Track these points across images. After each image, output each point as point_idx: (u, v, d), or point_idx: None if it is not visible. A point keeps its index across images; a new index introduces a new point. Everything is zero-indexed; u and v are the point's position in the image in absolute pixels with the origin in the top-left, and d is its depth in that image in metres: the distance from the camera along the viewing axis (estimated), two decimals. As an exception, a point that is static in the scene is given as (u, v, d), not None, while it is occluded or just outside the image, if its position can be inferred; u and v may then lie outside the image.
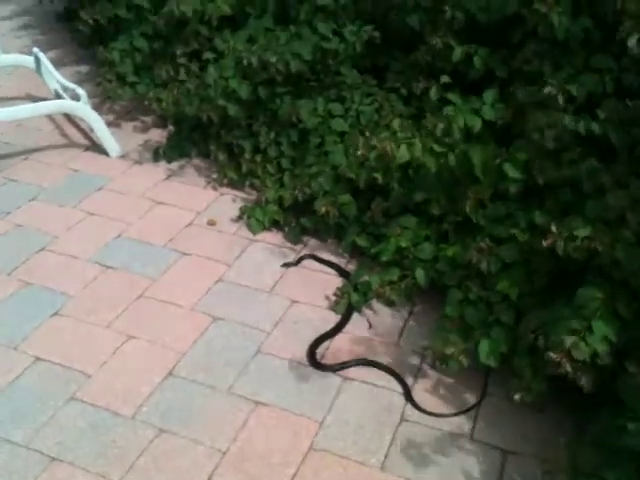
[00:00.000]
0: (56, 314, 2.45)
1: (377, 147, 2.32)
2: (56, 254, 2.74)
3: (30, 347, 2.31)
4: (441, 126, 2.31)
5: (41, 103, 3.35)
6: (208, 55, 3.18)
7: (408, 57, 3.02)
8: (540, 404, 2.02)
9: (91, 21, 3.41)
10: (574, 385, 1.82)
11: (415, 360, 2.32)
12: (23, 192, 3.12)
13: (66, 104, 3.29)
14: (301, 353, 2.32)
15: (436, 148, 2.27)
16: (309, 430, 2.05)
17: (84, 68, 4.37)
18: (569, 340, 1.76)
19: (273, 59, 2.80)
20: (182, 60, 3.36)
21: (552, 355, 1.77)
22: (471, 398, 2.18)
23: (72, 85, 3.32)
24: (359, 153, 2.51)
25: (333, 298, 2.56)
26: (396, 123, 2.53)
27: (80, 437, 2.00)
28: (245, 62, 2.92)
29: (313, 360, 2.28)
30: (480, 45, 2.71)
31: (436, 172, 2.44)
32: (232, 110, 2.99)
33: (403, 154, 2.26)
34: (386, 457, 1.98)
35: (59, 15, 5.10)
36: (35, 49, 3.69)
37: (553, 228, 1.94)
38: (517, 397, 1.94)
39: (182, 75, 3.27)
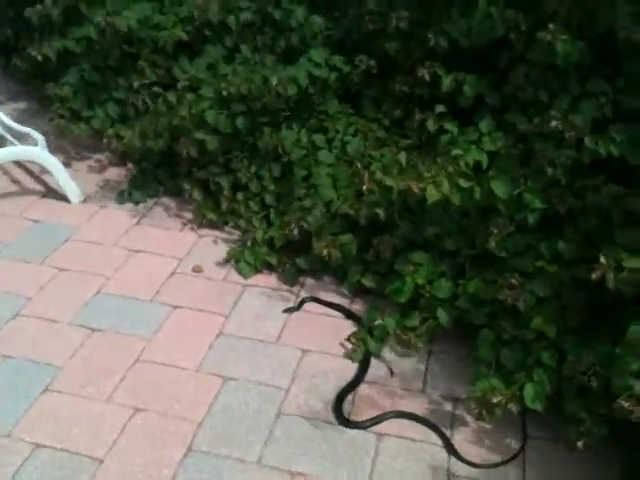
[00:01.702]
0: (47, 390, 2.19)
1: (397, 186, 2.19)
2: (32, 319, 2.48)
3: (25, 433, 2.05)
4: (450, 168, 2.20)
5: (0, 150, 3.04)
6: (183, 82, 2.95)
7: (385, 85, 2.93)
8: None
9: (40, 57, 3.12)
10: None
11: (446, 406, 2.20)
12: (-20, 250, 2.82)
13: (24, 150, 3.01)
14: (326, 410, 2.16)
15: (462, 184, 2.15)
16: (356, 498, 1.89)
17: (22, 105, 4.07)
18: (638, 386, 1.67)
19: (274, 81, 2.62)
20: (144, 92, 3.12)
21: (623, 403, 1.68)
22: (512, 442, 2.08)
23: (25, 129, 3.03)
24: (364, 188, 2.38)
25: (346, 344, 2.41)
26: (402, 157, 2.41)
27: (105, 537, 1.77)
28: (225, 92, 2.73)
29: (342, 418, 2.13)
30: (467, 72, 2.63)
31: (443, 205, 2.35)
32: (211, 144, 2.79)
33: (433, 193, 2.13)
34: (444, 521, 1.84)
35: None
36: (-27, 89, 3.38)
37: (602, 259, 1.86)
38: (580, 444, 1.85)
39: (149, 108, 3.01)
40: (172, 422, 2.09)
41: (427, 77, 2.54)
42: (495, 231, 2.13)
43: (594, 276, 1.84)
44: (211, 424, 2.09)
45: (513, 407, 1.95)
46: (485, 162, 2.26)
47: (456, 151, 2.24)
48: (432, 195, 2.14)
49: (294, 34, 3.06)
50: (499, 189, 2.13)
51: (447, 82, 2.54)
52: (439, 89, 2.57)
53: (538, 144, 2.19)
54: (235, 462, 1.98)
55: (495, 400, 1.95)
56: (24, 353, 2.32)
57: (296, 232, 2.59)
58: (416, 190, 2.12)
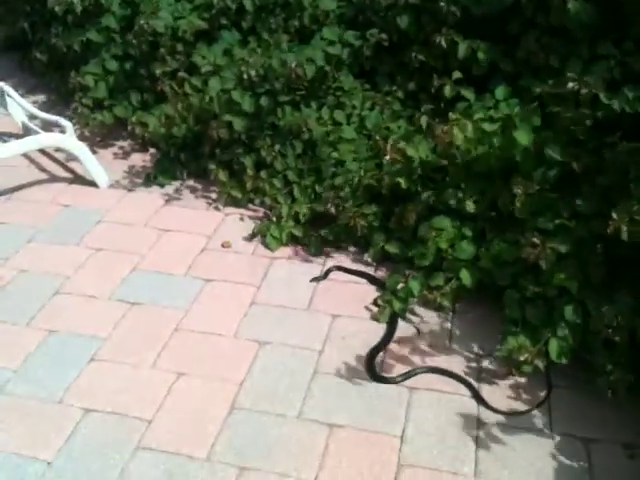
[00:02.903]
0: (93, 360, 2.31)
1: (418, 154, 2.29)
2: (73, 296, 2.59)
3: (75, 399, 2.16)
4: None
5: (29, 138, 3.16)
6: (206, 68, 3.05)
7: (399, 58, 3.03)
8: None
9: (64, 48, 3.23)
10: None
11: (472, 361, 2.30)
12: (17, 235, 2.94)
13: (54, 137, 3.13)
14: (358, 368, 2.27)
15: (486, 127, 2.24)
16: (392, 446, 2.00)
17: (41, 97, 4.17)
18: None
19: (293, 63, 2.73)
20: (166, 80, 3.23)
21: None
22: (537, 392, 2.17)
23: (53, 117, 3.14)
24: (387, 158, 2.48)
25: (372, 308, 2.52)
26: (423, 121, 2.50)
27: (160, 488, 1.89)
28: (245, 75, 2.84)
29: (374, 374, 2.24)
30: (479, 39, 2.73)
31: (465, 167, 2.45)
32: (238, 125, 2.90)
33: (459, 136, 2.22)
34: (476, 463, 1.95)
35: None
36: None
37: (614, 214, 1.95)
38: (609, 393, 1.95)
39: (176, 93, 3.11)
40: (214, 383, 2.20)
41: (444, 44, 2.62)
42: (519, 191, 2.22)
43: (609, 231, 1.94)
44: (251, 384, 2.20)
45: (539, 363, 2.06)
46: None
47: (477, 115, 2.32)
48: (457, 137, 2.21)
49: (306, 14, 3.15)
50: (522, 137, 2.21)
51: (463, 48, 2.63)
52: (453, 58, 2.66)
53: (555, 105, 2.27)
54: (277, 417, 2.09)
55: (522, 358, 2.05)
56: (68, 327, 2.44)
57: (333, 210, 2.69)
58: (443, 133, 2.19)
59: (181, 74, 3.08)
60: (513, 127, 2.24)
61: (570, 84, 2.24)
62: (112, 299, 2.57)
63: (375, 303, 2.54)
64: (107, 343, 2.37)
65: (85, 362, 2.30)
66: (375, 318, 2.47)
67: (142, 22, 3.18)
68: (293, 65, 2.78)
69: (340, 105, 3.00)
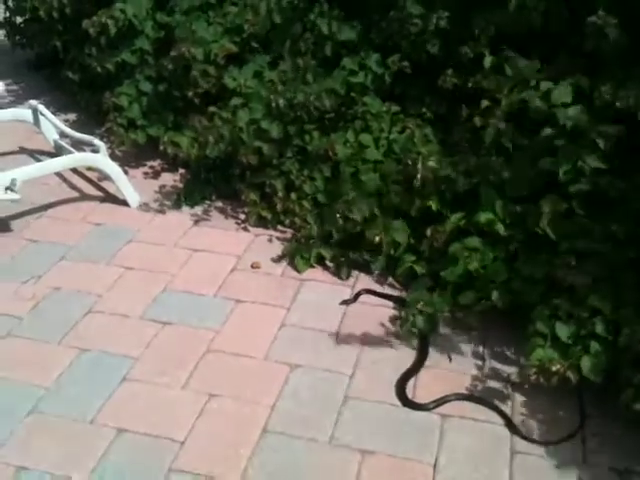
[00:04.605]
0: (125, 379, 2.32)
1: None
2: (105, 315, 2.61)
3: (108, 419, 2.17)
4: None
5: (64, 157, 3.20)
6: (235, 101, 3.10)
7: (427, 82, 3.05)
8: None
9: (100, 68, 3.28)
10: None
11: (503, 386, 2.29)
12: (49, 252, 2.97)
13: (86, 157, 3.17)
14: (390, 394, 2.26)
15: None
16: (425, 474, 1.99)
17: (71, 116, 4.22)
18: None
19: (312, 97, 2.78)
20: (196, 101, 3.27)
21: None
22: (570, 418, 2.16)
23: (87, 137, 3.19)
24: (418, 177, 2.49)
25: (401, 331, 2.50)
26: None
27: (193, 511, 1.89)
28: (274, 104, 2.88)
29: (406, 400, 2.23)
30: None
31: (497, 189, 2.46)
32: (267, 150, 2.93)
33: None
34: (511, 493, 1.94)
35: (31, 63, 4.94)
36: (33, 101, 3.56)
37: None
38: (638, 407, 1.93)
39: (202, 127, 3.13)
40: (246, 406, 2.21)
41: (470, 54, 2.63)
42: (547, 210, 2.23)
43: None
44: (283, 407, 2.20)
45: (571, 375, 2.04)
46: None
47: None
48: None
49: (328, 45, 3.18)
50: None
51: (489, 60, 2.64)
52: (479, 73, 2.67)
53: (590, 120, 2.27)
54: (308, 442, 2.09)
55: (554, 369, 2.05)
56: (100, 346, 2.45)
57: (341, 222, 2.71)
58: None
59: (212, 109, 3.10)
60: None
61: (607, 96, 2.24)
62: (144, 318, 2.59)
63: (401, 323, 2.52)
64: (139, 363, 2.38)
65: (117, 382, 2.31)
66: (404, 340, 2.45)
67: (183, 49, 3.22)
68: (312, 99, 2.82)
69: (367, 129, 3.02)
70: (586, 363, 2.08)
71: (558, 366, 2.05)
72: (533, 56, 2.66)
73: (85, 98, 4.09)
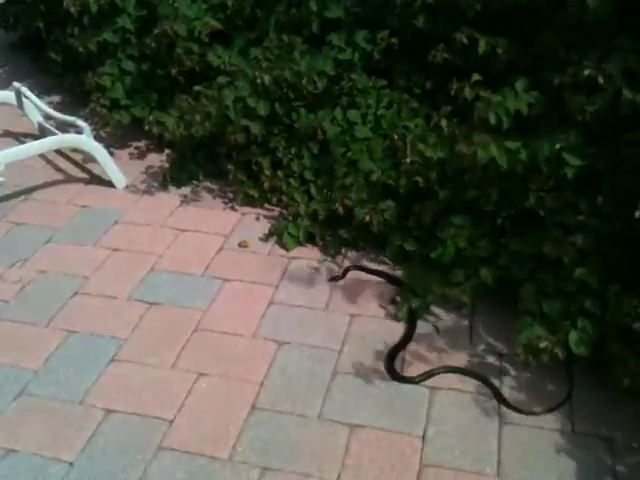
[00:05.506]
0: (113, 360, 2.31)
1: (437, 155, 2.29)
2: (93, 296, 2.60)
3: (97, 399, 2.17)
4: (493, 116, 2.28)
5: (47, 139, 3.17)
6: (221, 80, 3.06)
7: (418, 56, 3.01)
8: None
9: (81, 48, 3.24)
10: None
11: (492, 360, 2.29)
12: (34, 235, 2.95)
13: (71, 138, 3.14)
14: (378, 368, 2.26)
15: (509, 145, 2.23)
16: (414, 446, 2.00)
17: (55, 98, 4.17)
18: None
19: (304, 80, 2.76)
20: (181, 80, 3.23)
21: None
22: (559, 391, 2.16)
23: (70, 118, 3.15)
24: (408, 160, 2.47)
25: (390, 307, 2.51)
26: (443, 123, 2.49)
27: (183, 488, 1.89)
28: (259, 81, 2.85)
29: (395, 374, 2.24)
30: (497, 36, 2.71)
31: (483, 168, 2.44)
32: (254, 128, 2.90)
33: (484, 156, 2.22)
34: (499, 463, 1.94)
35: (14, 45, 4.87)
36: (16, 83, 3.51)
37: None
38: (627, 382, 1.94)
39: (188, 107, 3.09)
40: (235, 384, 2.21)
41: (465, 40, 2.60)
42: (533, 187, 2.22)
43: (638, 214, 1.91)
44: (271, 384, 2.20)
45: (559, 352, 2.04)
46: (525, 110, 2.33)
47: (497, 97, 2.30)
48: (483, 157, 2.21)
49: (315, 22, 3.14)
50: (544, 149, 2.20)
51: (483, 44, 2.61)
52: (472, 56, 2.64)
53: (571, 94, 2.25)
54: (297, 417, 2.09)
55: (542, 346, 2.05)
56: (87, 328, 2.44)
57: (341, 210, 2.69)
58: (467, 152, 2.19)
59: (197, 88, 3.06)
60: (536, 138, 2.21)
61: (586, 71, 2.22)
62: (131, 299, 2.58)
63: (393, 301, 2.53)
64: (127, 343, 2.38)
65: (105, 363, 2.30)
66: (394, 317, 2.46)
67: (165, 26, 3.17)
68: (304, 82, 2.81)
69: (355, 105, 2.99)
70: (573, 338, 2.07)
71: (546, 343, 2.05)
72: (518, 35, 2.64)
73: (69, 79, 4.03)
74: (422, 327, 2.44)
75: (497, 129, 2.33)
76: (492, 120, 2.29)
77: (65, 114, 3.42)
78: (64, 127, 3.47)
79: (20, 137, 3.70)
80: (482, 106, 2.32)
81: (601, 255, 2.15)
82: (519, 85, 2.47)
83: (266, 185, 3.01)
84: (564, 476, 1.91)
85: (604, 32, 2.43)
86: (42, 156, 3.47)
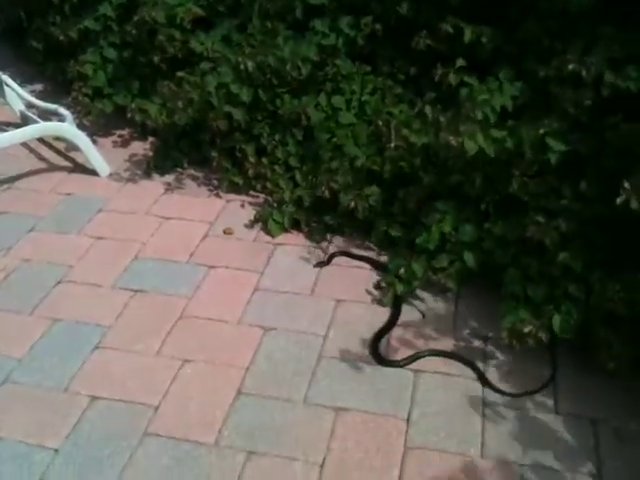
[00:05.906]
0: (98, 348, 2.31)
1: (421, 141, 2.30)
2: (77, 285, 2.59)
3: (81, 386, 2.16)
4: (480, 112, 2.29)
5: (29, 127, 3.14)
6: (204, 66, 3.04)
7: (402, 42, 3.01)
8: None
9: (62, 37, 3.21)
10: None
11: (477, 344, 2.31)
12: (18, 224, 2.93)
13: (53, 126, 3.11)
14: (363, 352, 2.27)
15: (495, 134, 2.24)
16: (399, 429, 2.01)
17: (37, 87, 4.14)
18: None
19: (288, 66, 2.74)
20: (163, 67, 3.21)
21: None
22: (543, 373, 2.18)
23: (52, 106, 3.13)
24: (392, 145, 2.47)
25: (376, 292, 2.52)
26: (428, 110, 2.49)
27: (169, 474, 1.89)
28: (242, 67, 2.84)
29: (379, 357, 2.24)
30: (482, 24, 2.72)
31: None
32: (237, 114, 2.89)
33: (471, 146, 2.22)
34: (483, 445, 1.96)
35: (-7, 34, 4.81)
36: (-4, 71, 3.47)
37: (626, 184, 1.93)
38: (611, 366, 1.95)
39: (170, 93, 3.07)
40: (220, 369, 2.21)
41: (450, 29, 2.60)
42: (517, 172, 2.23)
43: (619, 200, 1.92)
44: (257, 369, 2.21)
45: (543, 335, 2.06)
46: (510, 105, 2.35)
47: (482, 96, 2.31)
48: (471, 147, 2.22)
49: (299, 6, 3.13)
50: (528, 136, 2.21)
51: (468, 34, 2.61)
52: (456, 44, 2.64)
53: (557, 88, 2.26)
54: (283, 402, 2.09)
55: (526, 330, 2.06)
56: (72, 316, 2.43)
57: (327, 193, 2.69)
58: (454, 144, 2.19)
59: (179, 74, 3.04)
60: (521, 126, 2.22)
61: (570, 66, 2.23)
62: (115, 287, 2.57)
63: (378, 286, 2.54)
64: (111, 331, 2.37)
65: (90, 350, 2.29)
66: (379, 302, 2.47)
67: (144, 13, 3.15)
68: (288, 68, 2.79)
69: (339, 90, 2.99)
70: (557, 322, 2.09)
71: (530, 326, 2.06)
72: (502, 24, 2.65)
73: (50, 68, 4.01)
74: (407, 312, 2.44)
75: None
76: (479, 116, 2.29)
77: (47, 102, 3.39)
78: (46, 115, 3.45)
79: (2, 126, 3.65)
80: (469, 104, 2.32)
81: (584, 239, 2.17)
82: (503, 75, 2.49)
83: (251, 172, 3.01)
84: (548, 457, 1.92)
85: (588, 21, 2.44)
86: (25, 145, 3.44)
